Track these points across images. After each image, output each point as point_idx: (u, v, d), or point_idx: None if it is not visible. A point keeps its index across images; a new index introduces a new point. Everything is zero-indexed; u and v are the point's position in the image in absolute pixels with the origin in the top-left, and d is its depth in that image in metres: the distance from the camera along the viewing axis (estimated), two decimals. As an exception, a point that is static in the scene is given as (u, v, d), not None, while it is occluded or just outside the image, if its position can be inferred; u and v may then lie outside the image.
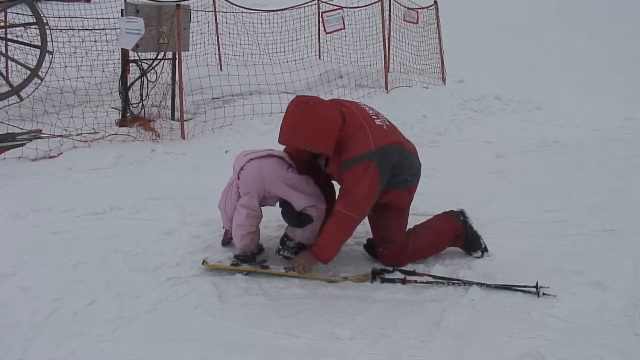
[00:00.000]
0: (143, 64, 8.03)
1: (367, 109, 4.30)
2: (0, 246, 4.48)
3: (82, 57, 8.94)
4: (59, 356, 3.19)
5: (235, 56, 13.07)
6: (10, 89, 8.41)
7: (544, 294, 3.87)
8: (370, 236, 4.53)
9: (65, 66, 8.37)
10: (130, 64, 8.24)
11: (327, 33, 11.01)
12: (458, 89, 11.65)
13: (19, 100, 8.31)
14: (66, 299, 3.73)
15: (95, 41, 8.89)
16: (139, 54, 8.00)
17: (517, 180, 6.59)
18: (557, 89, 11.74)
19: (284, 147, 4.35)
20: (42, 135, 7.27)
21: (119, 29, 7.75)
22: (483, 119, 9.81)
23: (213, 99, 9.32)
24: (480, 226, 4.58)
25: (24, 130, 7.40)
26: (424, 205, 5.31)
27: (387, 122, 4.27)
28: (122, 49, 7.99)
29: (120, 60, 8.21)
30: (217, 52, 12.95)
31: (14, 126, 7.38)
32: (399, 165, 4.13)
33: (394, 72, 12.00)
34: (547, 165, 7.22)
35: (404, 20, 12.64)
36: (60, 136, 7.17)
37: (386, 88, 11.12)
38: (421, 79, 12.20)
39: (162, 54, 8.06)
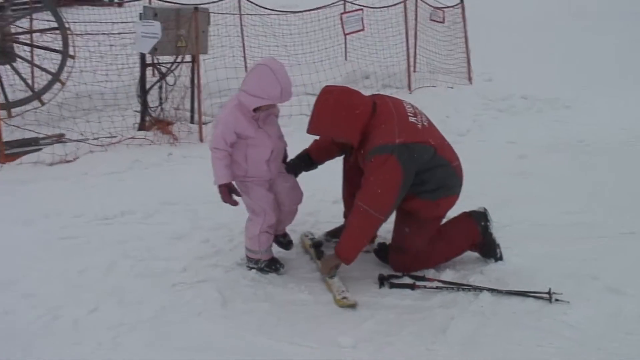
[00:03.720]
0: (162, 67, 8.02)
1: (407, 106, 4.13)
2: (9, 252, 4.50)
3: (101, 62, 8.95)
4: (56, 366, 3.16)
5: (259, 58, 13.01)
6: (32, 93, 8.50)
7: (556, 300, 3.73)
8: (381, 240, 4.46)
9: (81, 70, 8.40)
10: (150, 68, 8.25)
11: (345, 34, 10.87)
12: (484, 88, 11.40)
13: (40, 105, 8.39)
14: (68, 306, 3.70)
15: (112, 45, 8.90)
16: (157, 57, 7.99)
17: (538, 181, 6.40)
18: (586, 87, 11.41)
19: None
20: (64, 139, 7.31)
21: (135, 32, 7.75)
22: (508, 119, 9.60)
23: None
24: (496, 229, 4.40)
25: (47, 135, 7.46)
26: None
27: (425, 123, 4.07)
28: (141, 53, 8.01)
29: (140, 64, 8.22)
30: (242, 54, 12.93)
31: (33, 131, 7.42)
32: (428, 169, 3.93)
33: (420, 72, 11.83)
34: (570, 166, 7.01)
35: (430, 19, 12.47)
36: (78, 140, 7.19)
37: (409, 88, 10.95)
38: (447, 78, 11.99)
39: (180, 57, 8.05)
